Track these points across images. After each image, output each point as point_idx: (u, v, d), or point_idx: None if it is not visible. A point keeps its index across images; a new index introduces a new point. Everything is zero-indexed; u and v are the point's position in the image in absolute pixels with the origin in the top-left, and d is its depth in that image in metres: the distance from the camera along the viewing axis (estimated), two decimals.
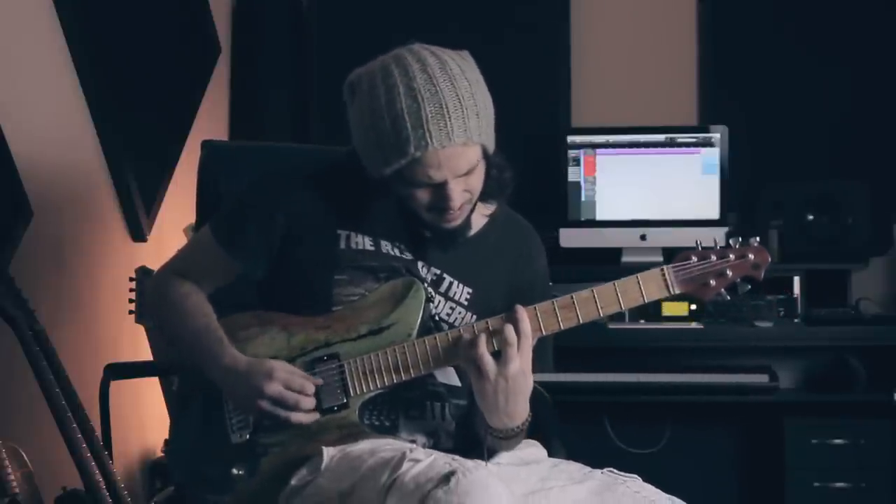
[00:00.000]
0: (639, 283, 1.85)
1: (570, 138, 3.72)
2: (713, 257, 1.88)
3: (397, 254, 1.96)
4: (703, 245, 1.89)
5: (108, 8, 3.04)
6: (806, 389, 3.65)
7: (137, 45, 3.27)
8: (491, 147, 1.87)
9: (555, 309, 1.85)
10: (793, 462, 3.49)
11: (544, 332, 1.86)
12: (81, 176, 2.97)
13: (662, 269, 1.86)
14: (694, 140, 3.67)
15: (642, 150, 3.69)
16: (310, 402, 1.86)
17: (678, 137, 3.67)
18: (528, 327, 1.81)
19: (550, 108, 3.94)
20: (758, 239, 1.89)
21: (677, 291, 1.86)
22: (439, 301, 1.96)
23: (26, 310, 2.17)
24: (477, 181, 1.87)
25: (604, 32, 4.06)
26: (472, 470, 1.65)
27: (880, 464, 3.44)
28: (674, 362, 3.52)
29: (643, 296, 1.85)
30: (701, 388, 3.47)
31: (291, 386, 1.84)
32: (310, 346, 1.91)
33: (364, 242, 1.95)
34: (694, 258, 1.87)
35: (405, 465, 1.70)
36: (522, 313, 1.82)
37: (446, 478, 1.63)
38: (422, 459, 1.71)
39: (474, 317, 1.97)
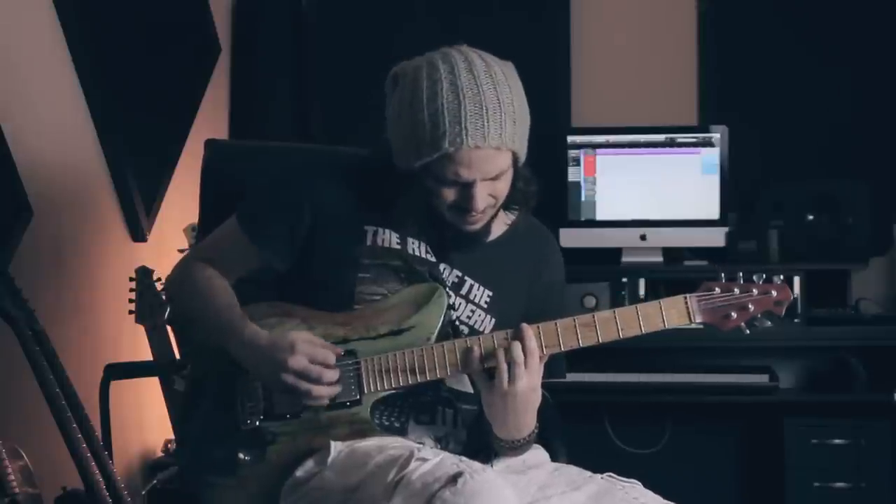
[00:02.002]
0: (661, 308, 1.86)
1: (570, 138, 3.72)
2: (736, 290, 1.88)
3: (422, 254, 1.96)
4: (727, 277, 1.90)
5: (108, 8, 3.04)
6: (806, 389, 3.66)
7: (137, 45, 3.27)
8: (522, 156, 1.88)
9: (575, 327, 1.86)
10: (793, 462, 3.49)
11: (563, 349, 1.86)
12: (81, 176, 2.97)
13: (685, 297, 1.87)
14: (694, 140, 3.67)
15: (642, 150, 3.69)
16: (333, 375, 1.85)
17: (678, 137, 3.68)
18: (534, 345, 1.82)
19: (550, 108, 3.94)
20: (782, 277, 1.91)
21: (698, 321, 1.88)
22: (460, 303, 1.97)
23: (26, 310, 2.17)
24: (503, 188, 1.88)
25: (604, 32, 4.06)
26: (479, 472, 1.65)
27: (880, 464, 3.44)
28: (674, 362, 3.52)
29: (664, 321, 1.86)
30: (701, 388, 3.47)
31: (315, 358, 1.84)
32: (328, 340, 1.90)
33: (391, 240, 1.95)
34: (717, 289, 1.88)
35: (413, 464, 1.70)
36: (528, 331, 1.82)
37: (454, 479, 1.63)
38: (430, 459, 1.71)
39: (493, 320, 1.98)
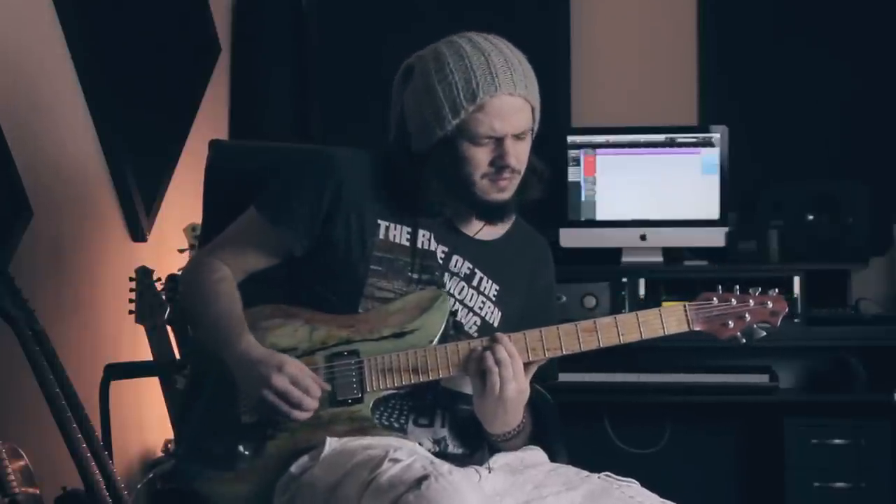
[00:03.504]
0: (661, 316, 1.93)
1: (570, 138, 3.72)
2: (733, 301, 1.96)
3: (433, 248, 2.00)
4: (724, 289, 1.98)
5: (108, 8, 3.04)
6: (806, 389, 3.66)
7: (137, 44, 3.27)
8: (537, 120, 1.98)
9: (577, 331, 1.92)
10: (793, 462, 3.49)
11: (564, 352, 1.92)
12: (81, 176, 2.97)
13: (684, 306, 1.95)
14: (694, 140, 3.67)
15: (642, 150, 3.69)
16: (313, 404, 1.87)
17: (678, 137, 3.67)
18: (513, 349, 1.87)
19: (550, 108, 3.92)
20: (777, 290, 1.98)
21: (696, 329, 1.95)
22: (472, 294, 2.02)
23: (26, 310, 2.16)
24: (525, 151, 1.97)
25: (604, 32, 4.06)
26: (445, 475, 1.66)
27: (880, 464, 3.44)
28: (674, 362, 3.52)
29: (664, 328, 1.94)
30: (701, 388, 3.48)
31: (298, 383, 1.85)
32: (331, 341, 1.93)
33: (402, 235, 1.99)
34: (715, 299, 1.96)
35: (384, 465, 1.72)
36: (504, 338, 1.88)
37: (418, 482, 1.65)
38: (402, 460, 1.73)
39: (500, 313, 2.03)
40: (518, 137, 1.94)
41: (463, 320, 2.00)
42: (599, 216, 3.70)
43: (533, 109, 1.96)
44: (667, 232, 3.67)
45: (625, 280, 3.56)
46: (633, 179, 3.69)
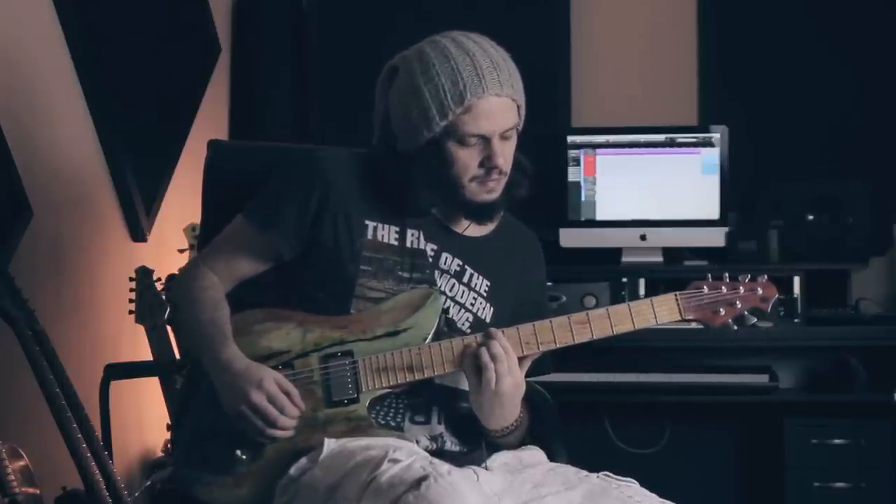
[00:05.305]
0: (652, 305, 1.94)
1: (570, 138, 3.72)
2: (724, 288, 1.97)
3: (422, 247, 2.01)
4: (714, 277, 1.99)
5: (108, 8, 3.04)
6: (806, 389, 3.65)
7: (137, 45, 3.27)
8: (522, 115, 1.98)
9: (570, 324, 1.93)
10: (793, 462, 3.49)
11: (557, 345, 1.93)
12: (81, 176, 2.97)
13: (675, 295, 1.96)
14: (694, 140, 3.67)
15: (642, 150, 3.69)
16: (288, 423, 1.87)
17: (678, 137, 3.67)
18: (507, 344, 1.89)
19: (550, 108, 3.94)
20: (766, 276, 1.99)
21: (688, 317, 1.96)
22: (463, 291, 2.03)
23: (26, 310, 2.17)
24: (511, 150, 1.97)
25: (604, 32, 4.06)
26: (444, 475, 1.67)
27: (880, 464, 3.44)
28: (674, 362, 3.52)
29: (655, 318, 1.94)
30: (701, 388, 3.47)
31: (275, 402, 1.86)
32: (325, 342, 1.94)
33: (390, 235, 2.00)
34: (706, 288, 1.97)
35: (384, 466, 1.73)
36: (498, 333, 1.89)
37: (418, 483, 1.65)
38: (402, 461, 1.73)
39: (492, 308, 2.04)
40: (504, 137, 1.94)
41: (455, 317, 2.01)
42: (599, 216, 3.70)
43: (518, 107, 1.96)
44: (667, 232, 3.67)
45: (625, 280, 3.56)
46: (633, 179, 3.69)
